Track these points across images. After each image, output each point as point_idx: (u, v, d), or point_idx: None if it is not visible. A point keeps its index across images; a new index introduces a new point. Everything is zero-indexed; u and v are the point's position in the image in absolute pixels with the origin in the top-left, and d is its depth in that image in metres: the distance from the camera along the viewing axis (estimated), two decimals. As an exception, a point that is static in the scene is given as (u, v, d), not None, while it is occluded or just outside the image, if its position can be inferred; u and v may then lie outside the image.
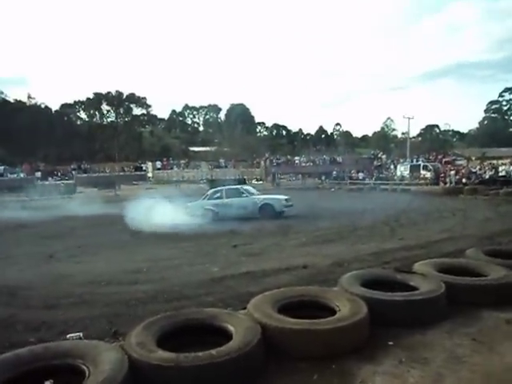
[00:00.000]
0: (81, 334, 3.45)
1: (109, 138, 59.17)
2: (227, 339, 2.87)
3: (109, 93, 64.59)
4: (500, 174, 24.86)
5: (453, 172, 27.16)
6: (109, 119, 66.58)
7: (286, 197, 14.31)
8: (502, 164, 30.36)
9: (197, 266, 6.45)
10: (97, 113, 66.61)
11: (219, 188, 15.15)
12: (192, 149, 64.34)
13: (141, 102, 66.78)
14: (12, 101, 58.90)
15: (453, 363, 2.88)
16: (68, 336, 3.35)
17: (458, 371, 2.77)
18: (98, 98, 64.76)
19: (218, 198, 14.28)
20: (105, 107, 65.99)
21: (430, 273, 4.31)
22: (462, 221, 10.59)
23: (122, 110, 65.87)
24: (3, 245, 9.64)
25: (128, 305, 4.56)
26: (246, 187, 16.00)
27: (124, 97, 65.38)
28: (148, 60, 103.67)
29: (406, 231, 9.25)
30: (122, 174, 39.34)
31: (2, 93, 59.15)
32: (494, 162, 34.83)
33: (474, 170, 27.59)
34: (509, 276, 4.07)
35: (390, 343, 3.17)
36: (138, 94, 66.40)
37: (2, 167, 33.23)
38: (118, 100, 64.94)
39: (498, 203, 15.43)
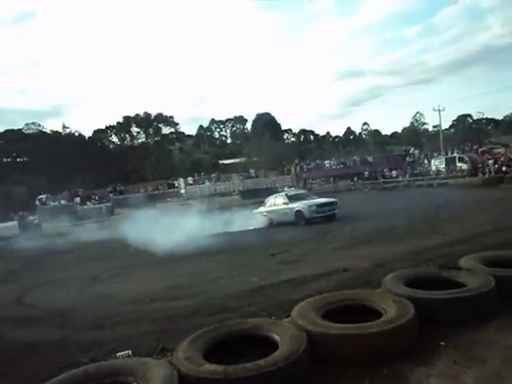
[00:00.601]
0: (130, 352, 3.52)
1: (140, 158, 60.87)
2: (273, 348, 2.86)
3: (137, 115, 66.51)
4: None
5: (491, 161, 26.12)
6: (139, 140, 68.41)
7: (322, 201, 14.42)
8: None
9: (236, 278, 6.46)
10: (127, 135, 68.62)
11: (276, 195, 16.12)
12: (222, 162, 65.03)
13: (168, 121, 68.39)
14: (49, 132, 61.86)
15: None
16: (118, 354, 3.43)
17: (518, 369, 2.63)
18: (128, 121, 66.76)
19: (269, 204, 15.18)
20: (134, 129, 67.92)
21: (477, 267, 4.15)
22: (505, 211, 10.13)
23: (151, 131, 67.64)
24: (49, 269, 10.05)
25: (172, 320, 4.62)
26: (297, 192, 16.92)
27: (152, 117, 67.15)
28: (173, 79, 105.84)
29: (447, 226, 8.95)
30: (156, 192, 40.20)
31: (40, 125, 62.31)
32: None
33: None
34: None
35: (442, 343, 3.06)
36: (165, 113, 68.14)
37: (44, 196, 34.67)
38: (146, 121, 66.76)
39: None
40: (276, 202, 14.93)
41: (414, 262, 5.70)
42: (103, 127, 68.43)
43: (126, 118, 66.64)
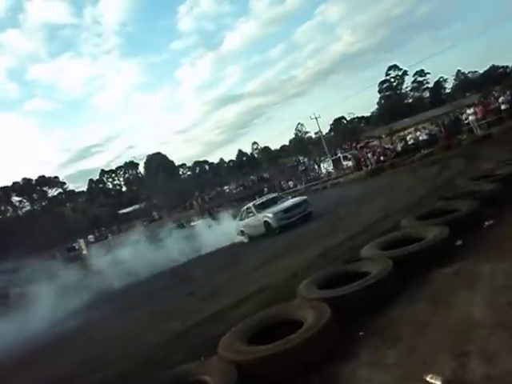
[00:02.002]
0: None
1: (29, 229, 55.43)
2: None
3: (15, 183, 61.01)
4: (410, 143, 26.82)
5: (370, 154, 28.85)
6: (24, 209, 62.56)
7: (286, 206, 12.96)
8: (408, 133, 32.93)
9: (157, 329, 6.14)
10: (9, 207, 62.35)
11: (248, 205, 14.87)
12: (121, 211, 62.26)
13: (53, 181, 63.82)
14: None
15: (420, 330, 3.00)
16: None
17: (427, 336, 2.88)
18: (5, 191, 60.80)
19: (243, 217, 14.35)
20: (15, 198, 62.05)
21: (376, 254, 4.50)
22: (391, 196, 11.22)
23: (35, 196, 62.31)
24: None
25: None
26: (267, 198, 15.17)
27: (34, 182, 62.07)
28: (49, 135, 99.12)
29: (345, 222, 9.58)
30: (53, 261, 36.80)
31: None
32: (402, 133, 37.71)
33: (387, 147, 29.51)
34: (443, 233, 4.35)
35: (361, 333, 3.23)
36: (48, 174, 63.59)
37: None
38: (27, 187, 61.45)
39: (416, 169, 16.58)
40: (247, 215, 13.98)
41: (324, 264, 5.97)
42: (-23, 204, 61.38)
43: (3, 189, 60.62)
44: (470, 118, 21.72)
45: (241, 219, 14.51)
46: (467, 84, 66.63)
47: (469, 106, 25.50)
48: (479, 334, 2.67)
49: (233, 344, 3.28)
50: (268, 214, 12.77)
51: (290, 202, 13.80)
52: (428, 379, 2.34)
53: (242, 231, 14.19)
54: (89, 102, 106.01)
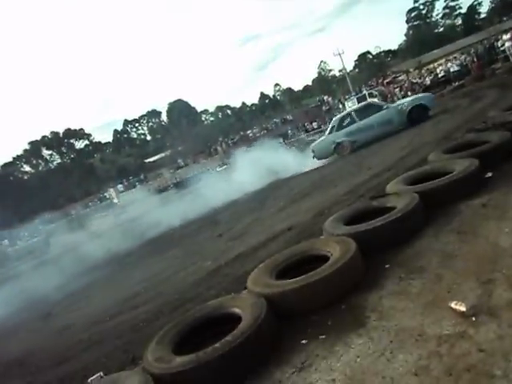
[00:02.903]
0: (101, 373, 3.43)
1: (61, 180, 57.42)
2: (238, 322, 2.92)
3: (44, 137, 62.36)
4: (439, 76, 25.52)
5: (397, 90, 27.74)
6: (54, 162, 64.38)
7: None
8: (439, 65, 31.22)
9: (190, 268, 6.42)
10: (40, 161, 64.24)
11: (344, 113, 13.55)
12: (147, 160, 63.20)
13: (79, 134, 64.90)
14: None
15: (446, 260, 3.03)
16: (89, 380, 3.33)
17: (453, 266, 2.91)
18: (35, 145, 62.39)
19: (349, 124, 12.64)
20: (46, 152, 63.71)
21: (402, 189, 4.46)
22: (418, 131, 10.87)
23: (64, 149, 63.77)
24: None
25: (136, 329, 4.53)
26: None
27: (61, 135, 63.25)
28: (71, 88, 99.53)
29: (371, 160, 9.44)
30: (88, 210, 38.39)
31: None
32: (431, 66, 35.80)
33: (414, 81, 28.22)
34: (471, 165, 4.24)
35: (387, 266, 3.29)
36: (73, 127, 64.42)
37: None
38: (56, 141, 62.79)
39: (445, 102, 15.89)
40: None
41: (350, 202, 5.98)
42: (10, 159, 63.43)
43: (33, 143, 62.20)
44: (506, 44, 20.31)
45: (338, 129, 12.85)
46: (505, 7, 61.28)
47: (505, 32, 23.70)
48: (506, 262, 2.67)
49: (261, 279, 3.41)
50: (420, 98, 13.01)
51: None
52: (453, 306, 2.39)
53: (345, 141, 12.64)
54: (105, 52, 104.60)
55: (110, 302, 6.50)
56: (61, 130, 63.42)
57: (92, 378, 3.40)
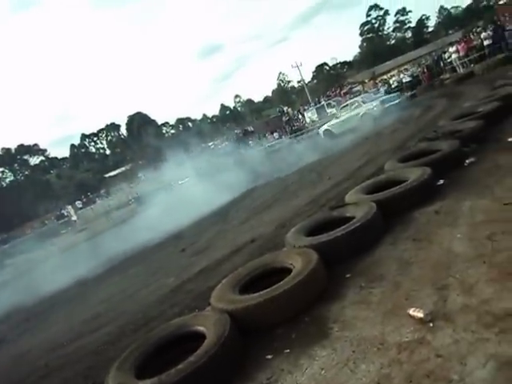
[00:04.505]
0: None
1: (15, 198, 54.79)
2: (203, 340, 2.86)
3: (-5, 153, 59.54)
4: (393, 86, 26.55)
5: (353, 100, 28.59)
6: (7, 180, 61.52)
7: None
8: (392, 76, 32.54)
9: (152, 285, 6.28)
10: (-9, 178, 61.22)
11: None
12: (108, 175, 61.54)
13: (33, 150, 62.43)
14: None
15: (404, 268, 3.12)
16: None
17: (410, 273, 3.00)
18: (-14, 163, 59.47)
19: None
20: (-3, 170, 60.80)
21: (360, 198, 4.58)
22: (375, 140, 11.24)
23: (16, 166, 61.11)
24: None
25: (97, 352, 4.36)
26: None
27: (13, 151, 60.64)
28: (22, 101, 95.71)
29: (331, 170, 9.64)
30: (44, 228, 36.80)
31: None
32: (385, 77, 37.26)
33: (370, 91, 29.19)
34: (424, 174, 4.41)
35: (348, 275, 3.35)
36: (27, 142, 61.94)
37: None
38: (8, 157, 60.09)
39: (399, 112, 16.49)
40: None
41: (311, 212, 6.06)
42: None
43: (-17, 161, 59.27)
44: (453, 56, 21.44)
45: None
46: (450, 21, 65.13)
47: (451, 44, 25.06)
48: (459, 267, 2.79)
49: (225, 294, 3.38)
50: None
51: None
52: (411, 313, 2.46)
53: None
54: (62, 63, 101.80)
55: (69, 326, 6.24)
56: (13, 146, 60.86)
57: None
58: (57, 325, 6.79)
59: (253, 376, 2.57)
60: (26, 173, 61.87)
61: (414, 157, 5.40)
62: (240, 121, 58.53)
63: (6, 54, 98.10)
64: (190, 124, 78.95)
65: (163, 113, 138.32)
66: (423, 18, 68.78)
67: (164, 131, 77.07)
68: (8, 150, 60.21)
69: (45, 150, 64.08)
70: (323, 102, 34.64)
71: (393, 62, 46.54)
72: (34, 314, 8.25)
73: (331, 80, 62.69)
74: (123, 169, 59.06)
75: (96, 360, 4.17)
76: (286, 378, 2.43)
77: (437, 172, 4.54)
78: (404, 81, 24.94)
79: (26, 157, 62.19)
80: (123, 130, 76.10)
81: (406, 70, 29.67)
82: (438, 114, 11.06)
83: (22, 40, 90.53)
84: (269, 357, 2.70)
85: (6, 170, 61.07)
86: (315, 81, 72.18)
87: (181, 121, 78.85)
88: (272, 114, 52.80)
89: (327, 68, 75.90)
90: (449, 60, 22.29)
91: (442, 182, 4.61)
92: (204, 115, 79.93)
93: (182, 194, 17.43)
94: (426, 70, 23.76)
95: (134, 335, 4.27)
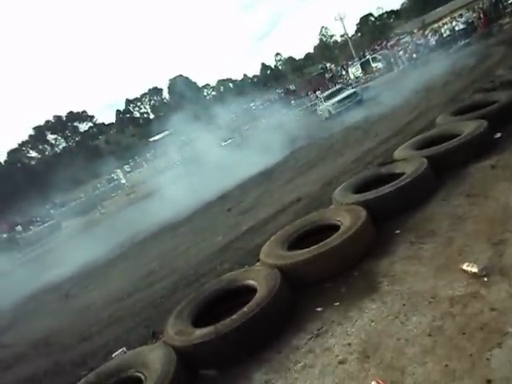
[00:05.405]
0: (124, 349, 3.56)
1: (68, 163, 57.62)
2: (254, 293, 2.98)
3: (48, 121, 62.21)
4: (445, 35, 24.82)
5: (401, 52, 27.05)
6: (60, 146, 64.47)
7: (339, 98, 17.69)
8: (444, 24, 30.27)
9: (201, 244, 6.52)
10: (46, 146, 64.36)
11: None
12: (152, 139, 62.95)
13: (82, 116, 64.63)
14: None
15: (457, 224, 3.04)
16: (113, 355, 3.46)
17: (464, 228, 2.93)
18: (40, 130, 62.35)
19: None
20: (51, 136, 63.71)
21: (410, 154, 4.43)
22: (425, 94, 10.69)
23: (68, 133, 63.74)
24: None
25: (154, 305, 4.65)
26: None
27: (64, 118, 63.10)
28: (70, 69, 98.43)
29: (378, 126, 9.34)
30: (97, 192, 38.69)
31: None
32: (435, 25, 34.72)
33: (419, 42, 27.46)
34: (480, 127, 4.19)
35: (397, 231, 3.32)
36: (76, 109, 64.13)
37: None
38: (59, 124, 62.69)
39: (452, 63, 15.49)
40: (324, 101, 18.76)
41: (358, 170, 5.97)
42: (16, 146, 63.58)
43: (37, 128, 62.17)
44: (514, -3, 19.58)
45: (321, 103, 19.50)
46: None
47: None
48: (517, 222, 2.68)
49: (274, 250, 3.46)
50: (328, 104, 17.96)
51: (342, 94, 18.12)
52: (464, 268, 2.42)
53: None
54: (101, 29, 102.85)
55: (126, 281, 6.65)
56: (63, 114, 63.28)
57: (116, 354, 3.53)
58: (116, 280, 7.24)
59: (304, 327, 2.66)
60: (77, 139, 64.41)
61: (469, 109, 5.11)
62: (281, 80, 57.17)
63: (56, 28, 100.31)
64: (230, 85, 78.24)
65: (204, 74, 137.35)
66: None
67: (205, 93, 77.00)
68: (59, 117, 62.70)
69: (93, 117, 66.18)
70: (368, 56, 33.04)
71: (445, 8, 43.10)
72: (95, 270, 8.84)
73: (377, 32, 59.31)
74: (166, 132, 60.15)
75: (154, 312, 4.47)
76: (336, 329, 2.50)
77: (494, 125, 4.29)
78: (457, 29, 23.21)
79: (75, 123, 64.53)
80: (165, 94, 76.80)
81: (460, 16, 27.52)
82: (495, 63, 10.28)
83: (72, 14, 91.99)
84: (319, 309, 2.78)
85: (59, 137, 63.89)
86: (359, 34, 68.54)
87: (222, 82, 78.29)
88: (314, 72, 51.19)
89: (372, 19, 71.69)
90: (509, 2, 20.38)
91: (499, 135, 4.36)
92: (245, 75, 78.73)
93: (224, 156, 17.59)
94: (482, 15, 21.91)
95: (188, 289, 4.50)
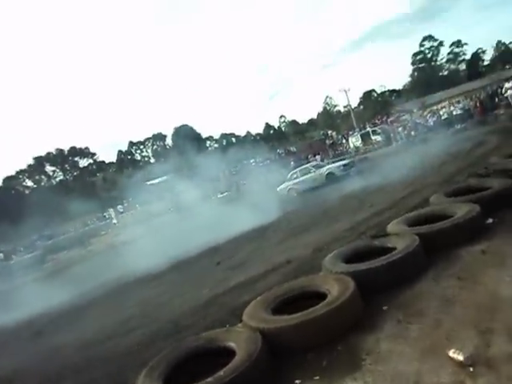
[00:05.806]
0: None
1: (62, 196, 57.40)
2: (233, 356, 2.88)
3: (49, 153, 62.84)
4: (442, 118, 25.94)
5: (400, 128, 28.11)
6: (57, 179, 64.63)
7: (344, 162, 18.34)
8: (442, 108, 31.80)
9: (187, 295, 6.36)
10: (43, 176, 64.52)
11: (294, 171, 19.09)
12: (150, 182, 63.30)
13: (84, 152, 65.46)
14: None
15: (446, 306, 3.02)
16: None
17: (452, 312, 2.90)
18: (39, 161, 62.81)
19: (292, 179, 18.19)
20: (49, 168, 64.06)
21: (403, 229, 4.48)
22: (421, 172, 10.96)
23: (67, 166, 64.20)
24: None
25: (129, 355, 4.45)
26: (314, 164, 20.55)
27: (66, 152, 63.84)
28: (78, 107, 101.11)
29: (374, 198, 9.49)
30: (86, 228, 38.24)
31: None
32: (435, 107, 36.42)
33: (418, 121, 28.64)
34: (472, 210, 4.28)
35: (385, 307, 3.27)
36: (79, 145, 65.08)
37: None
38: (60, 158, 63.30)
39: (448, 145, 16.06)
40: (300, 175, 18.10)
41: (350, 239, 5.98)
42: (13, 173, 63.62)
43: (37, 159, 62.64)
44: (509, 92, 20.75)
45: (289, 180, 18.52)
46: (508, 55, 63.02)
47: (507, 80, 24.29)
48: (506, 312, 2.66)
49: (258, 312, 3.39)
50: (332, 166, 17.97)
51: (343, 162, 18.86)
52: (450, 354, 2.37)
53: (290, 189, 18.11)
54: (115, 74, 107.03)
55: (102, 325, 6.40)
56: (66, 148, 64.12)
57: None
58: (94, 322, 6.97)
59: (280, 399, 2.55)
60: (75, 173, 64.73)
61: (463, 192, 5.25)
62: (283, 141, 58.79)
63: (66, 59, 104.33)
64: (233, 140, 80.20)
65: (208, 126, 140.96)
66: (479, 51, 67.02)
67: (208, 145, 78.67)
68: (61, 150, 63.43)
69: (94, 154, 66.98)
70: (368, 129, 34.26)
71: (444, 94, 45.51)
72: (70, 314, 8.50)
73: (378, 107, 61.92)
74: (165, 178, 60.68)
75: (129, 360, 4.26)
76: (313, 406, 2.39)
77: (486, 210, 4.38)
78: (454, 113, 24.34)
79: (76, 158, 65.18)
80: (169, 141, 78.40)
81: (458, 102, 28.98)
82: (489, 150, 10.68)
83: (83, 45, 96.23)
84: (297, 382, 2.67)
85: (57, 170, 64.22)
86: (362, 107, 71.53)
87: (225, 136, 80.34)
88: (316, 137, 52.75)
89: (375, 95, 75.23)
90: (505, 95, 21.58)
91: (490, 220, 4.44)
92: (248, 132, 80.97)
93: (220, 208, 17.65)
94: (478, 104, 23.09)
95: (167, 340, 4.33)
